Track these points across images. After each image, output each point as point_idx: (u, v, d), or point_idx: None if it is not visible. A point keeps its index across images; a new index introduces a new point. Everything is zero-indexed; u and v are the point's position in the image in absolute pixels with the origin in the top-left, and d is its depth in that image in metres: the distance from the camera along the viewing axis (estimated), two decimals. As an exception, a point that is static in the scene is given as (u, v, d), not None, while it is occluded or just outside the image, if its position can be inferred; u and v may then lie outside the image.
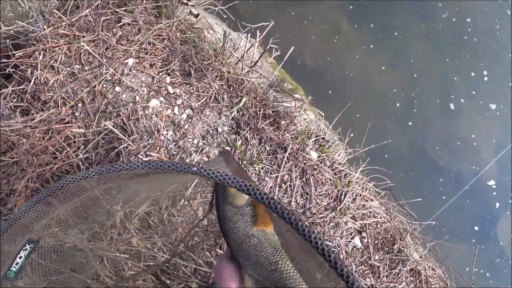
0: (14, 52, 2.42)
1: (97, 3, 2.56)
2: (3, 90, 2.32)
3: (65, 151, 2.18)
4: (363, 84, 4.24)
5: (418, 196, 2.90)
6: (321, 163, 2.54)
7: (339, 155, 2.68)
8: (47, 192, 0.84)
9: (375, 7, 4.51)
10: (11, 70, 2.39)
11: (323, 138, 2.64)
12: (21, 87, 2.37)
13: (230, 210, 0.88)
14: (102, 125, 2.24)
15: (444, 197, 3.95)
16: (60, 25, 2.49)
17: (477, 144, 4.37)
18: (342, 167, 2.63)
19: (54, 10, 2.54)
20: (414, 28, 4.63)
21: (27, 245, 0.86)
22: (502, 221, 4.29)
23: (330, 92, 3.99)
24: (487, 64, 4.57)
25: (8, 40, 2.49)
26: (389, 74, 4.36)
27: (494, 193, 4.29)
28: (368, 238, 2.56)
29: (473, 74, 4.53)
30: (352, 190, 2.58)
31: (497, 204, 4.29)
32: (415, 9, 4.66)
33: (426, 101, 4.38)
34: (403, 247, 2.62)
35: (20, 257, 0.85)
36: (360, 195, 2.63)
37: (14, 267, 0.84)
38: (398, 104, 4.27)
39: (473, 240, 4.21)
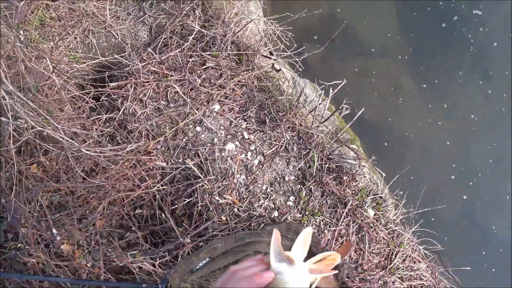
0: (109, 83, 2.68)
1: (185, 45, 2.79)
2: (96, 117, 2.57)
3: (144, 181, 2.37)
4: (421, 149, 4.20)
5: (468, 265, 2.88)
6: (377, 221, 2.63)
7: (394, 215, 2.75)
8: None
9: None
10: (104, 98, 2.64)
11: (380, 197, 2.73)
12: (111, 115, 2.61)
13: None
14: (180, 160, 2.43)
15: (493, 270, 3.87)
16: (151, 61, 2.73)
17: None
18: (395, 226, 2.70)
19: (148, 49, 2.79)
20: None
21: (207, 258, 1.91)
22: None
23: (386, 146, 4.04)
24: None
25: (106, 71, 2.76)
26: (452, 147, 4.27)
27: None
28: (413, 300, 2.60)
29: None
30: (403, 251, 2.65)
31: None
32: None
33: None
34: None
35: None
36: (410, 256, 2.69)
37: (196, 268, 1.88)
38: (453, 177, 4.16)
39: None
